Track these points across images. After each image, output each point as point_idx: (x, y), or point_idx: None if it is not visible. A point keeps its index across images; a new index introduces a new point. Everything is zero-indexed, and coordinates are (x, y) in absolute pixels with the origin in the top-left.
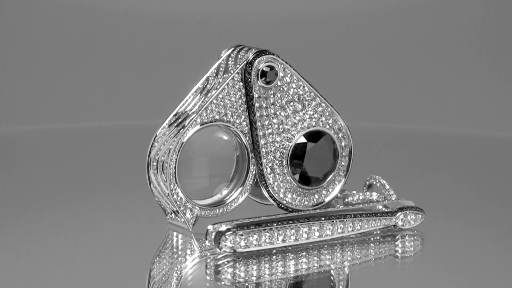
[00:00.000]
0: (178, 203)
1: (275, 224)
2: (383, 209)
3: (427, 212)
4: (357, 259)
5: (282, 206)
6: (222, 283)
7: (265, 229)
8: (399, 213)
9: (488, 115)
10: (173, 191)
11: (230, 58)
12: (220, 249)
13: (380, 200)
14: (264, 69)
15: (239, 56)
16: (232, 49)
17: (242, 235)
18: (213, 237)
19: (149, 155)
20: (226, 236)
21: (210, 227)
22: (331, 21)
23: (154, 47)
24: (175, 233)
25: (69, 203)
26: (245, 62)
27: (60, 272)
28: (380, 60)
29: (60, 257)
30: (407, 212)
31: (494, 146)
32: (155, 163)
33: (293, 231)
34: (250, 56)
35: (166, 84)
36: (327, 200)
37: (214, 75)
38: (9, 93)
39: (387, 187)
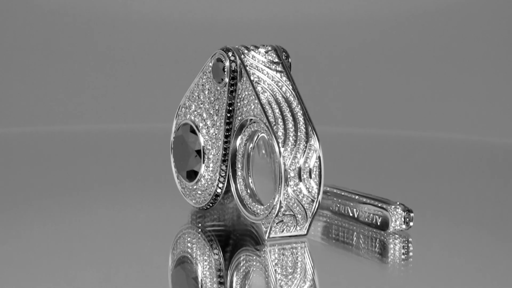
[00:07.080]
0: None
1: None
2: None
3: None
4: None
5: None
6: None
7: None
8: None
9: (487, 119)
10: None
11: (265, 64)
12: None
13: None
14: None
15: (269, 57)
16: (234, 56)
17: None
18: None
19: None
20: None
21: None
22: (329, 22)
23: (153, 47)
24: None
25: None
26: (286, 60)
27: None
28: (376, 64)
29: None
30: None
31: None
32: (293, 174)
33: None
34: (283, 53)
35: (165, 86)
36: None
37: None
38: (19, 94)
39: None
